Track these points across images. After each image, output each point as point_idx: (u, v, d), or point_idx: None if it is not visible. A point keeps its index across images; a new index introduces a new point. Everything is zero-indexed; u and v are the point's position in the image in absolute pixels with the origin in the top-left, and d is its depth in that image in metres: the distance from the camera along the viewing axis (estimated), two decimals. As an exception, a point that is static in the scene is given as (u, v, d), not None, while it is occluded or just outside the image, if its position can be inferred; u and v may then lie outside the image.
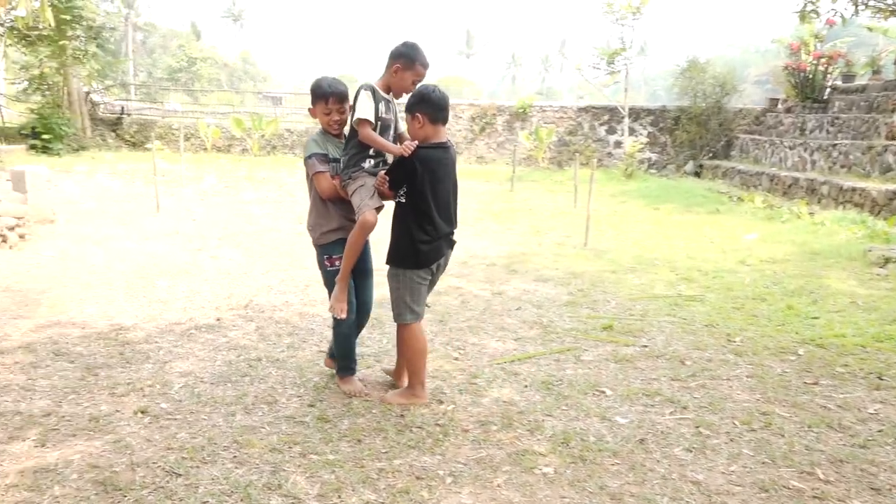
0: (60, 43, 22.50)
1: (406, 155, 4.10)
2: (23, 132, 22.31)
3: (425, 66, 4.28)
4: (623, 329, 6.22)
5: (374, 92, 4.23)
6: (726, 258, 9.43)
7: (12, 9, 19.75)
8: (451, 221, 4.37)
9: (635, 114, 23.97)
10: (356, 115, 4.20)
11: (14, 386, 4.61)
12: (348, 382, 4.65)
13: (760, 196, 15.22)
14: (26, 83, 24.90)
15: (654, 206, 14.96)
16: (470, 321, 6.36)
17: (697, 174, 21.46)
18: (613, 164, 23.40)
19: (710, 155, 22.41)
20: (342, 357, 4.69)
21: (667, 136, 23.75)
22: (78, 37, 23.71)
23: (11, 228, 9.05)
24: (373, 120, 4.21)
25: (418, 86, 4.29)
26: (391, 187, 4.23)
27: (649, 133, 23.89)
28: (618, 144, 23.96)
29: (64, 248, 9.05)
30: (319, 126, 4.57)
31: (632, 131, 23.78)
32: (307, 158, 4.48)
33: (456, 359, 5.37)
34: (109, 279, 7.60)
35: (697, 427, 4.21)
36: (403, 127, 4.49)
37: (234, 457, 3.69)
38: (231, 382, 4.78)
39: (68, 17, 22.30)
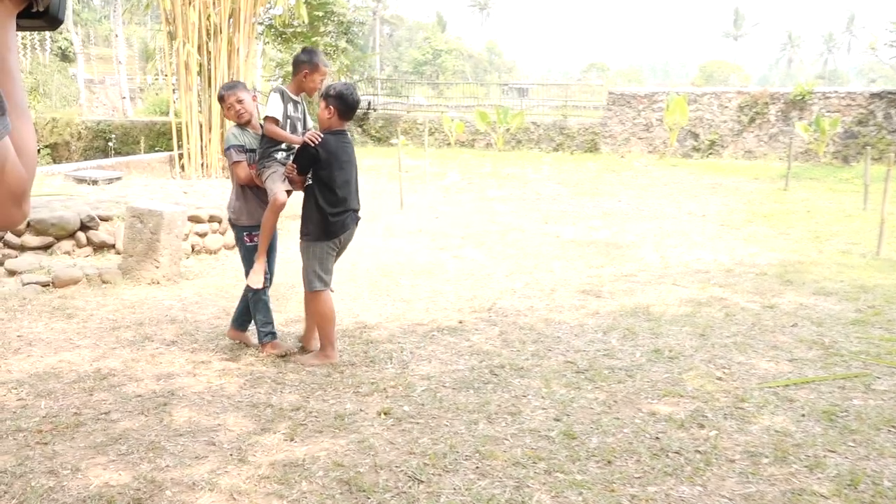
0: (313, 39, 24.42)
1: (311, 143, 5.10)
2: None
3: (326, 65, 5.46)
4: (927, 356, 5.62)
5: (283, 94, 5.33)
6: None
7: (270, 7, 21.80)
8: (356, 199, 5.40)
9: (944, 99, 21.61)
10: (265, 113, 5.25)
11: (266, 378, 5.05)
12: (277, 346, 5.50)
13: None
14: (281, 80, 27.28)
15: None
16: (736, 337, 6.06)
17: None
18: (914, 159, 21.28)
19: None
20: (266, 323, 5.53)
21: None
22: (329, 32, 25.60)
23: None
24: (280, 118, 5.25)
25: (345, 84, 5.41)
26: (299, 173, 5.23)
27: (962, 122, 21.44)
28: (920, 136, 21.75)
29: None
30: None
31: (939, 120, 21.48)
32: (226, 150, 5.46)
33: (719, 379, 5.14)
34: (354, 276, 8.10)
35: None
36: (311, 124, 5.56)
37: (477, 468, 3.78)
38: (473, 389, 4.91)
39: (321, 14, 24.18)
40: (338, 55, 25.77)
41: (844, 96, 22.80)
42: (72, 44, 46.24)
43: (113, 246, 8.45)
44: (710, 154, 23.44)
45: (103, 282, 7.54)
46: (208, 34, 14.97)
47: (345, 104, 5.26)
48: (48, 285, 7.30)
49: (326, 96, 5.28)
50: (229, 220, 5.66)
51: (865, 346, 5.84)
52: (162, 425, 4.27)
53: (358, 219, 5.44)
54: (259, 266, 5.37)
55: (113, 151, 23.78)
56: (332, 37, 25.82)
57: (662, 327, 6.30)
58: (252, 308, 5.58)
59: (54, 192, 10.31)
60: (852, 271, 8.50)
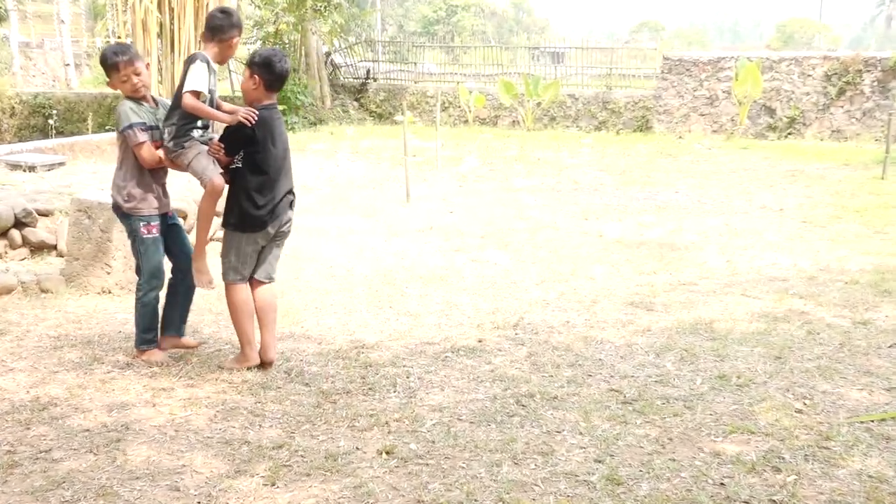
0: (300, -7, 24.49)
1: (249, 123, 5.37)
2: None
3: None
4: None
5: (208, 63, 5.50)
6: None
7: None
8: (290, 178, 5.74)
9: None
10: (190, 86, 5.38)
11: (242, 409, 5.09)
12: (154, 355, 5.87)
13: None
14: (259, 43, 27.38)
15: None
16: (820, 360, 6.06)
17: None
18: None
19: None
20: (149, 329, 5.89)
21: None
22: (320, -16, 25.66)
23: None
24: (206, 92, 5.48)
25: (272, 50, 5.75)
26: (228, 153, 5.55)
27: None
28: None
29: (297, 244, 9.82)
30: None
31: None
32: (126, 129, 5.57)
33: (799, 411, 5.14)
34: (350, 284, 8.14)
35: None
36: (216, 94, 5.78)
37: (499, 520, 3.80)
38: (496, 423, 4.93)
39: (309, -39, 24.24)
40: (329, 12, 25.83)
41: (958, 63, 22.69)
42: (3, -1, 46.63)
43: (54, 247, 8.52)
44: (790, 134, 23.37)
45: (42, 291, 7.60)
46: (171, -13, 15.07)
47: (273, 74, 5.56)
48: (-26, 295, 7.36)
49: (251, 64, 5.59)
50: (117, 207, 5.84)
51: (981, 372, 5.83)
52: (114, 466, 4.31)
53: (293, 200, 5.83)
54: (204, 265, 5.72)
55: (54, 131, 23.90)
56: (322, -10, 25.91)
57: (729, 348, 6.31)
58: (138, 312, 5.86)
59: (-17, 180, 10.40)
60: (966, 279, 8.47)
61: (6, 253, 8.36)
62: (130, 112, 5.62)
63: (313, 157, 18.44)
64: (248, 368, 5.74)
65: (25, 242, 8.49)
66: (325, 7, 25.67)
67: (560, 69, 30.14)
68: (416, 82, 28.91)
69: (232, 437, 4.70)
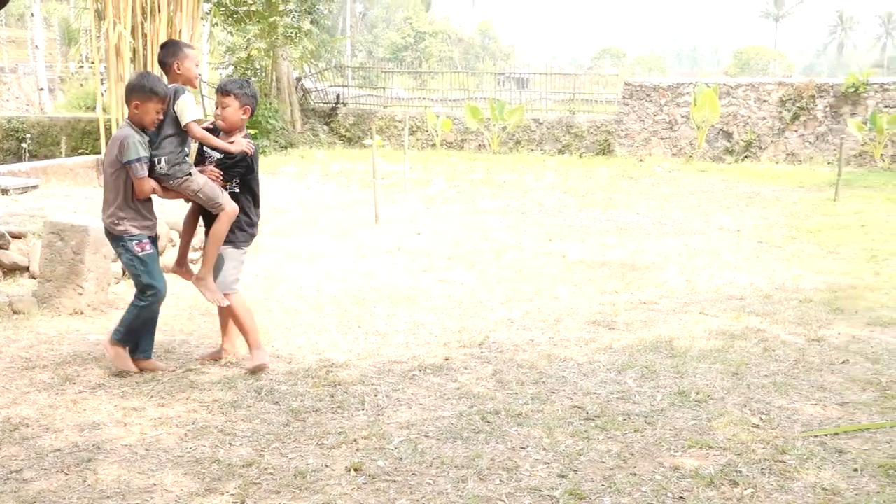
0: (271, 20, 24.52)
1: (249, 153, 5.92)
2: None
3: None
4: None
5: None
6: None
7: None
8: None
9: None
10: (192, 117, 5.76)
11: (212, 428, 5.06)
12: (122, 356, 5.94)
13: None
14: (231, 68, 27.35)
15: None
16: (776, 376, 6.11)
17: None
18: None
19: None
20: (132, 332, 5.97)
21: None
22: (290, 12, 25.69)
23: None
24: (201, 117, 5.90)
25: (248, 81, 6.21)
26: (227, 180, 5.95)
27: None
28: None
29: (268, 265, 9.81)
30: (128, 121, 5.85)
31: None
32: (133, 161, 5.66)
33: (756, 426, 5.18)
34: (320, 304, 8.12)
35: None
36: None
37: (465, 534, 3.79)
38: (462, 440, 4.93)
39: (280, -11, 24.26)
40: (300, 39, 25.83)
41: (907, 88, 23.03)
42: (-24, 24, 46.32)
43: (27, 269, 8.43)
44: (746, 157, 23.62)
45: (15, 312, 7.53)
46: (144, 13, 14.99)
47: (256, 102, 6.10)
48: (-53, 317, 7.28)
49: (242, 94, 5.95)
50: (108, 232, 5.98)
51: (930, 387, 5.90)
52: (86, 486, 4.27)
53: None
54: (211, 281, 5.98)
55: (28, 154, 23.76)
56: (293, 16, 25.92)
57: (688, 365, 6.35)
58: (131, 313, 5.96)
59: (-44, 203, 10.30)
60: (915, 297, 8.58)
61: (-22, 275, 8.26)
62: (139, 146, 5.71)
63: (284, 179, 18.40)
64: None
65: (-2, 264, 8.40)
66: (296, 34, 25.70)
67: (525, 94, 30.30)
68: (384, 107, 28.94)
69: (202, 455, 4.67)
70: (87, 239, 7.58)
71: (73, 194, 11.46)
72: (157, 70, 14.43)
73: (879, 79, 23.98)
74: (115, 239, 5.95)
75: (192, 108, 5.79)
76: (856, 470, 4.54)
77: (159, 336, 6.39)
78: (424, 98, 31.66)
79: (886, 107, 22.85)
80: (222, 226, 5.92)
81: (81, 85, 34.51)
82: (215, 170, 5.96)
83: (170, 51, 6.00)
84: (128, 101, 5.82)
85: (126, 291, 8.34)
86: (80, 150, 22.89)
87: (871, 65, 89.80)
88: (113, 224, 5.86)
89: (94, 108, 24.22)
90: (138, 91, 5.75)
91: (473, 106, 26.18)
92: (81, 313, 7.57)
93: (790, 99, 23.72)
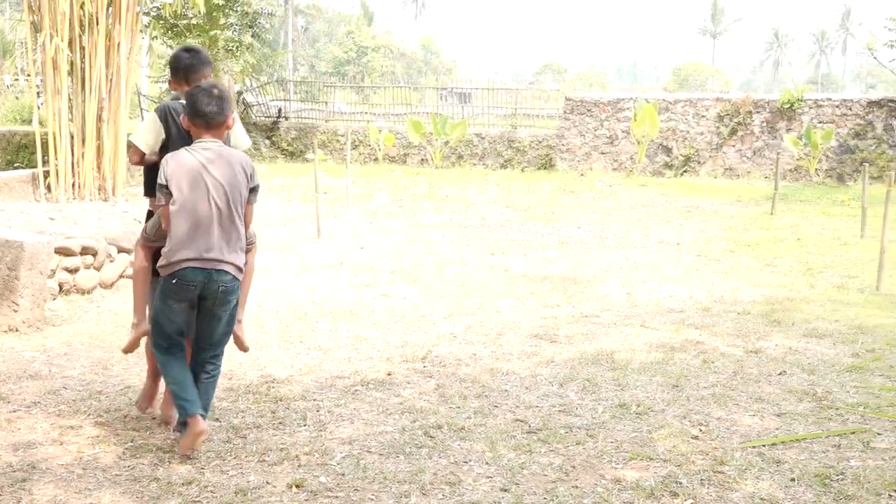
0: (211, 33, 24.39)
1: None
2: (166, 141, 24.30)
3: None
4: (933, 407, 5.82)
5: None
6: None
7: (159, -6, 21.75)
8: None
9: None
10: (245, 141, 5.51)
11: (151, 446, 4.99)
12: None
13: None
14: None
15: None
16: (715, 388, 6.19)
17: None
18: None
19: None
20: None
21: None
22: (231, 25, 25.57)
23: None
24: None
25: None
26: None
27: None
28: (925, 151, 22.55)
29: (209, 280, 9.70)
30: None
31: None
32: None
33: (695, 437, 5.24)
34: (261, 320, 8.05)
35: None
36: None
37: (407, 550, 3.78)
38: (404, 454, 4.92)
39: (220, 2, 24.12)
40: (241, 52, 25.74)
41: (839, 104, 23.56)
42: None
43: (-40, 285, 8.27)
44: (685, 172, 23.95)
45: (-53, 329, 7.37)
46: (82, 26, 14.76)
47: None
48: None
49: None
50: (238, 277, 4.97)
51: (864, 398, 6.01)
52: (20, 506, 4.19)
53: None
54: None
55: (-40, 168, 23.29)
56: (234, 30, 25.83)
57: (629, 377, 6.40)
58: (167, 371, 4.98)
59: None
60: (849, 309, 8.75)
61: None
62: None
63: (225, 194, 18.22)
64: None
65: (-70, 281, 8.22)
66: (237, 47, 25.59)
67: (467, 109, 30.44)
68: (327, 121, 28.90)
69: (141, 474, 4.60)
70: (22, 255, 7.44)
71: (8, 209, 11.24)
72: (95, 83, 14.27)
73: (814, 95, 24.50)
74: (235, 292, 5.03)
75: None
76: (793, 480, 4.61)
77: (98, 353, 6.29)
78: (367, 112, 31.72)
79: (820, 122, 23.35)
80: (253, 257, 5.39)
81: (17, 98, 33.90)
82: None
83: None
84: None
85: (62, 308, 8.20)
86: (15, 164, 22.46)
87: (805, 81, 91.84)
88: (239, 271, 4.97)
89: (30, 122, 23.80)
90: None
91: (416, 120, 26.22)
92: (16, 330, 7.42)
93: (728, 114, 24.12)
